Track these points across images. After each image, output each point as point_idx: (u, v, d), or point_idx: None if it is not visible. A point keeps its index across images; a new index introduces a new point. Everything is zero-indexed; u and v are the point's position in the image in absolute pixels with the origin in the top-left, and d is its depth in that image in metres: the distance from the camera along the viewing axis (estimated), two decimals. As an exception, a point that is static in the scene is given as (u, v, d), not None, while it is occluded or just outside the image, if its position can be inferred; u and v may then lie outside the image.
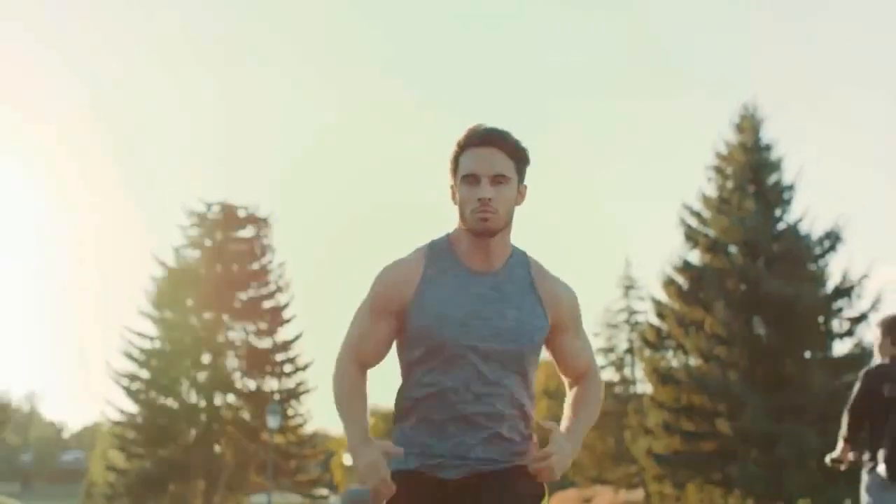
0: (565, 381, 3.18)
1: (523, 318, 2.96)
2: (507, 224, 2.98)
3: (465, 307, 2.94)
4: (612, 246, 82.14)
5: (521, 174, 2.99)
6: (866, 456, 6.25)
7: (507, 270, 3.01)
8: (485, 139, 2.94)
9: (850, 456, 6.31)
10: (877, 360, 6.36)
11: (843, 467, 6.36)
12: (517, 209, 3.01)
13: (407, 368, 3.01)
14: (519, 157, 2.97)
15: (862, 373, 6.34)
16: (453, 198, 3.00)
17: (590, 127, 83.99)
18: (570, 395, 3.13)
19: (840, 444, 6.34)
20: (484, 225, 2.91)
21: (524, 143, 3.01)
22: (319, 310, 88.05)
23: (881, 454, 6.11)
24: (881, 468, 6.07)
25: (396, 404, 3.05)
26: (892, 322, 6.31)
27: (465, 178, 2.93)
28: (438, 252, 3.02)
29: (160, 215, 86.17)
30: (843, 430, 6.31)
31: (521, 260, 3.05)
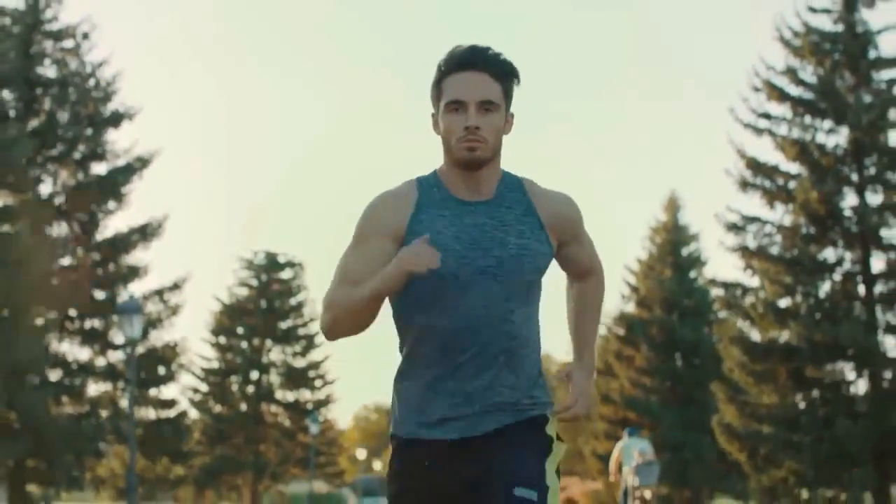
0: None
1: (526, 244, 2.66)
2: (496, 154, 2.67)
3: (463, 238, 2.63)
4: (610, 246, 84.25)
5: (508, 99, 2.68)
6: None
7: (500, 196, 2.70)
8: (470, 62, 2.63)
9: None
10: None
11: None
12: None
13: (407, 317, 2.70)
14: (508, 79, 2.67)
15: None
16: (436, 127, 2.69)
17: (587, 126, 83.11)
18: (571, 291, 2.90)
19: None
20: (471, 155, 2.61)
21: (513, 62, 2.67)
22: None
23: None
24: None
25: (399, 365, 2.75)
26: None
27: (448, 105, 2.63)
28: (427, 184, 2.72)
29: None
30: None
31: (513, 183, 2.74)
